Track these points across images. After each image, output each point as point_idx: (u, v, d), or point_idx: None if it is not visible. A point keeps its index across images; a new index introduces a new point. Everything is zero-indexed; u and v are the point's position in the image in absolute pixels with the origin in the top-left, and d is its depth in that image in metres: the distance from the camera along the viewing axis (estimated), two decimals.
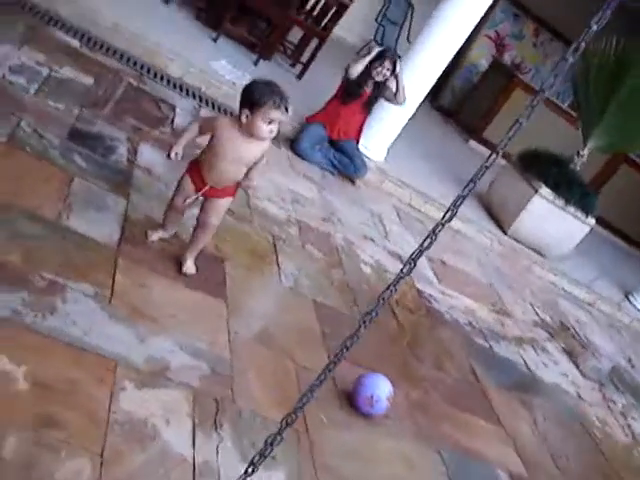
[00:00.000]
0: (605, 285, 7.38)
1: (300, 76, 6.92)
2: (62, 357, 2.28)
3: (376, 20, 10.23)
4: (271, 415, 2.59)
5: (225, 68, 5.79)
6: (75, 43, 4.76)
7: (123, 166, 3.65)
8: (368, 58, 5.34)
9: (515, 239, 6.52)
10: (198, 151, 3.04)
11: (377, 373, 3.01)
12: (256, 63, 6.43)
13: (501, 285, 5.61)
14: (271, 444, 1.95)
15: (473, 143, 9.58)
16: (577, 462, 3.76)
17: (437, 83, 10.61)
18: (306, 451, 2.57)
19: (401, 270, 1.70)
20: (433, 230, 1.63)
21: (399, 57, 5.54)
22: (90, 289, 2.65)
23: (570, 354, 5.18)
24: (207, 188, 2.97)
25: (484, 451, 3.29)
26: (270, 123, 2.78)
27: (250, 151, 2.88)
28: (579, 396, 4.57)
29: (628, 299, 7.34)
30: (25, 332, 2.29)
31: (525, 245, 6.55)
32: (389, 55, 5.34)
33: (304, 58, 7.03)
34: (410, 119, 6.04)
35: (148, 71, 5.06)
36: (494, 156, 1.51)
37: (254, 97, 2.75)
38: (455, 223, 6.15)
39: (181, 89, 5.14)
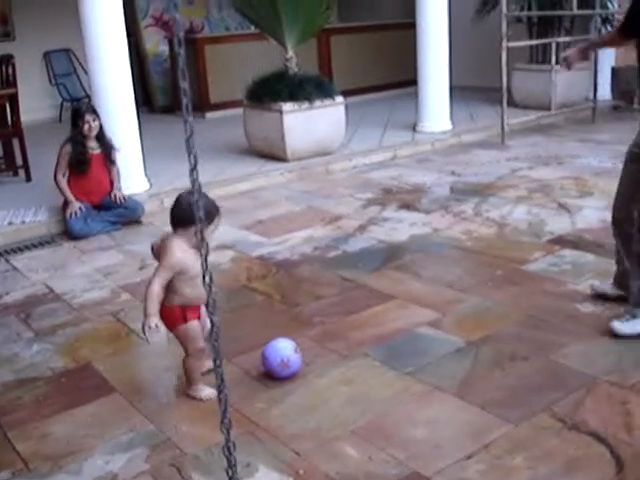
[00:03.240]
0: (391, 134, 7.95)
1: (28, 178, 6.80)
2: None
3: (51, 83, 10.10)
4: (217, 438, 2.71)
5: None
6: None
7: None
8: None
9: (299, 158, 6.84)
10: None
11: (271, 341, 3.18)
12: None
13: (316, 201, 5.92)
14: (229, 452, 2.12)
15: (210, 114, 9.84)
16: (471, 277, 4.14)
17: (144, 89, 10.69)
18: (268, 437, 2.72)
19: None
20: None
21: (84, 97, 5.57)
22: (6, 473, 2.63)
23: (407, 206, 5.60)
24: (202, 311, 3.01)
25: (398, 325, 3.58)
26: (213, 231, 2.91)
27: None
28: (434, 230, 4.99)
29: (415, 130, 7.96)
30: None
31: (311, 156, 6.89)
32: (84, 107, 5.40)
33: (19, 161, 6.90)
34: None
35: None
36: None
37: (212, 211, 2.85)
38: (242, 185, 6.39)
39: None
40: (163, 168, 6.85)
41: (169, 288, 2.85)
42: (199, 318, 2.99)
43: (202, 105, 9.89)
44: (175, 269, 2.83)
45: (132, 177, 6.08)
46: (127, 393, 3.13)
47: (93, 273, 4.68)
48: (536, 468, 2.43)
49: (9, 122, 6.90)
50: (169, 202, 5.97)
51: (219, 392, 2.04)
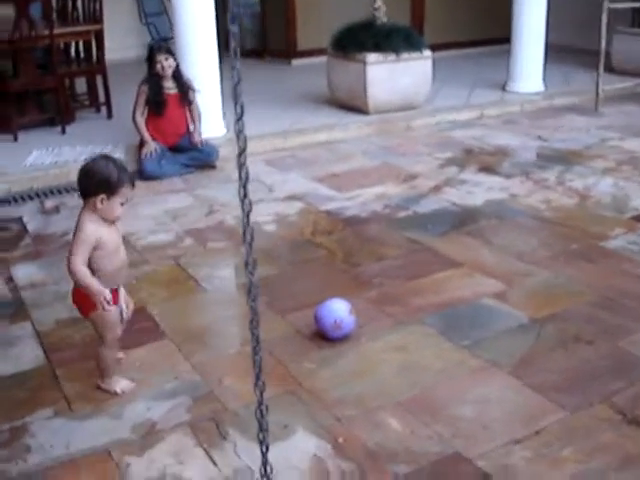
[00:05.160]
0: (479, 93, 7.63)
1: (110, 115, 6.87)
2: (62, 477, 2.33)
3: (142, 22, 10.13)
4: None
5: (38, 156, 5.71)
6: None
7: (10, 297, 3.63)
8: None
9: (381, 112, 6.65)
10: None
11: (325, 301, 3.10)
12: (63, 131, 6.36)
13: (393, 157, 5.75)
14: (261, 416, 2.06)
15: (297, 61, 9.69)
16: (544, 249, 3.93)
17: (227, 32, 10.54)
18: (311, 399, 2.66)
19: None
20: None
21: (171, 38, 5.53)
22: (49, 410, 2.67)
23: (486, 169, 5.37)
24: (122, 294, 2.81)
25: (460, 294, 3.43)
26: (123, 203, 2.61)
27: (117, 231, 2.70)
28: (512, 196, 4.77)
29: (505, 90, 7.61)
30: None
31: (393, 111, 6.69)
32: (156, 46, 5.36)
33: (102, 98, 6.98)
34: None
35: None
36: None
37: (111, 180, 2.52)
38: (320, 136, 6.27)
39: (16, 200, 5.08)
40: (246, 113, 6.77)
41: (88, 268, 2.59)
42: (116, 303, 2.71)
43: (289, 51, 9.76)
44: (90, 243, 2.55)
45: (210, 121, 6.03)
46: (177, 340, 3.12)
47: (161, 215, 4.69)
48: (587, 462, 2.27)
49: (94, 58, 6.95)
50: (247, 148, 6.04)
51: (254, 354, 1.97)
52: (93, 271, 2.58)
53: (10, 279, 3.82)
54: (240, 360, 2.96)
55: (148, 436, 2.51)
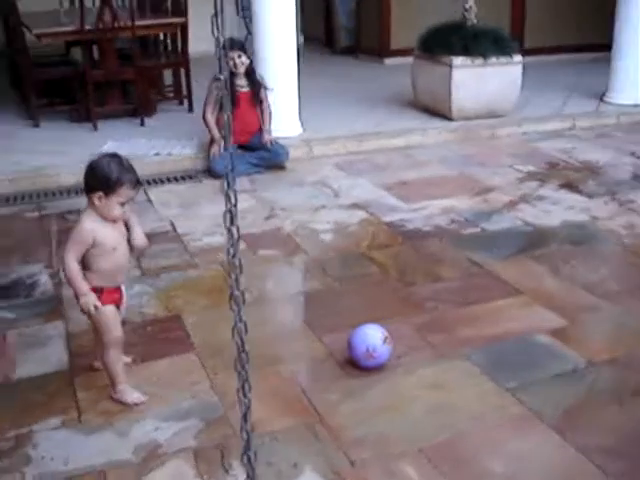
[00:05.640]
0: (574, 102, 7.16)
1: (190, 109, 6.85)
2: None
3: (237, 14, 10.10)
4: (277, 424, 2.50)
5: (111, 147, 5.72)
6: None
7: (51, 292, 3.60)
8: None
9: (465, 118, 6.33)
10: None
11: (360, 325, 2.88)
12: (142, 123, 6.37)
13: (471, 167, 5.44)
14: (249, 462, 1.87)
15: (389, 60, 9.42)
16: (618, 282, 3.58)
17: (327, 29, 10.48)
18: (327, 436, 2.45)
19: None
20: None
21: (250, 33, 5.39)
22: (57, 420, 2.58)
23: (569, 186, 4.99)
24: (123, 292, 2.73)
25: (514, 328, 3.14)
26: (124, 204, 2.54)
27: (120, 229, 2.63)
28: (594, 218, 4.39)
29: (602, 100, 7.12)
30: None
31: (478, 118, 6.36)
32: (230, 42, 5.21)
33: (185, 91, 6.97)
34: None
35: (45, 196, 5.02)
36: None
37: (110, 178, 2.47)
38: (397, 140, 6.02)
39: (82, 191, 5.08)
40: (323, 113, 6.63)
41: (83, 266, 2.53)
42: (116, 303, 2.64)
43: (382, 50, 9.51)
44: (85, 241, 2.50)
45: (284, 120, 5.89)
46: (204, 354, 2.97)
47: (220, 216, 4.54)
48: None
49: (178, 51, 6.94)
50: (319, 150, 5.90)
51: (243, 395, 1.80)
52: (89, 268, 2.54)
53: (56, 274, 3.79)
54: (265, 382, 2.77)
55: (148, 460, 2.36)
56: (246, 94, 5.34)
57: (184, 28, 6.72)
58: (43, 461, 2.38)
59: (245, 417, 1.80)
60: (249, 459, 1.85)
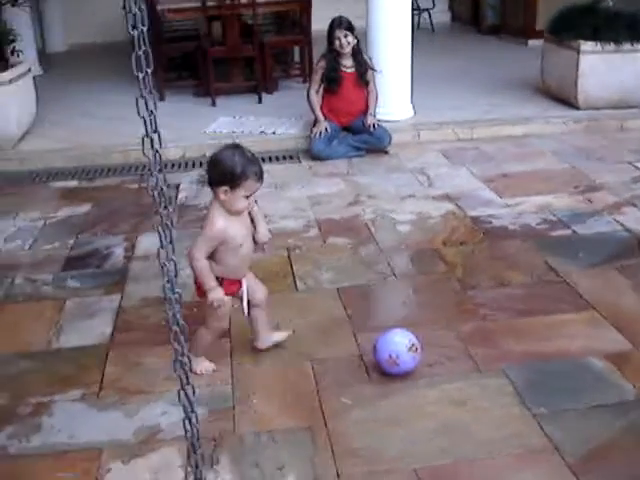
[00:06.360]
0: None
1: None
2: (41, 470, 2.30)
3: None
4: (279, 424, 2.45)
5: (222, 123, 5.82)
6: (72, 184, 5.01)
7: (119, 266, 3.73)
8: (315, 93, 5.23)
9: (592, 107, 5.86)
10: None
11: (389, 330, 2.74)
12: (260, 101, 6.44)
13: (585, 162, 5.04)
14: (196, 467, 1.84)
15: (533, 41, 8.89)
16: None
17: (474, 7, 9.97)
18: (323, 443, 2.36)
19: None
20: None
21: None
22: (77, 392, 2.68)
23: None
24: (244, 285, 2.73)
25: (567, 346, 2.87)
26: (249, 197, 2.52)
27: (246, 223, 2.65)
28: None
29: None
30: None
31: (606, 107, 5.87)
32: (337, 21, 5.12)
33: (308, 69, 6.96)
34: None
35: (144, 169, 5.20)
36: None
37: (235, 172, 2.45)
38: (514, 129, 5.69)
39: (184, 165, 5.24)
40: (438, 96, 6.41)
41: (210, 256, 2.56)
42: (233, 294, 2.67)
43: (526, 30, 8.99)
44: (217, 239, 2.53)
45: (395, 102, 5.74)
46: (237, 343, 2.96)
47: (303, 199, 4.54)
48: None
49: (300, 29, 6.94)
50: (426, 135, 5.69)
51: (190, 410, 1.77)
52: (215, 260, 2.56)
53: (132, 247, 3.92)
54: (282, 378, 2.74)
55: (144, 444, 2.40)
56: (351, 75, 5.23)
57: (308, 5, 6.68)
58: (51, 431, 2.48)
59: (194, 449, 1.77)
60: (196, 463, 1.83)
